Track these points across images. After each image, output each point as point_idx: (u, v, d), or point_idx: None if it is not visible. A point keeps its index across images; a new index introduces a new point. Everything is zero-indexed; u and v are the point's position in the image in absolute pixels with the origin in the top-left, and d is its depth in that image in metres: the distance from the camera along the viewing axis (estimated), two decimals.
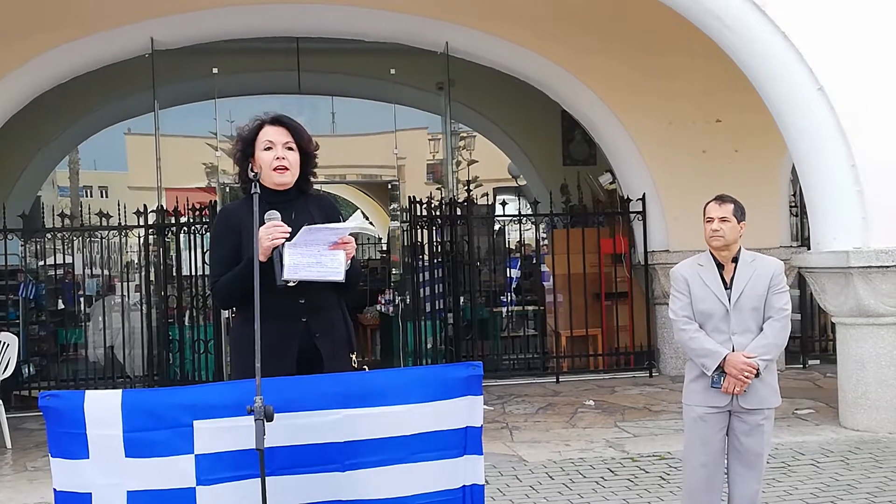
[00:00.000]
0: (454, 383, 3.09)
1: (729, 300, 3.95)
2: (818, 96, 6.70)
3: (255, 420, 2.68)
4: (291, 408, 2.88)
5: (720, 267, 4.02)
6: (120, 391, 2.97)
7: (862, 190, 6.65)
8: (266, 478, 2.74)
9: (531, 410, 8.07)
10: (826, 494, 5.26)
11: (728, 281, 3.98)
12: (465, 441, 3.10)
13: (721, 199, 4.07)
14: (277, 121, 3.42)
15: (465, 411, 3.10)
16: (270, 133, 3.39)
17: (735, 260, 4.01)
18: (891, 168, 6.67)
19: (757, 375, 3.87)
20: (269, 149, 3.38)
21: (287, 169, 3.39)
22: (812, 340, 10.44)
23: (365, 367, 3.52)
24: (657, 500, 5.24)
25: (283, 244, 3.21)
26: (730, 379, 3.87)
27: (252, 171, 3.33)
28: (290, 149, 3.40)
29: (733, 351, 3.90)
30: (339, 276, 3.27)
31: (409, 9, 9.45)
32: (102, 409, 2.87)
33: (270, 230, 3.20)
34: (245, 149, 3.42)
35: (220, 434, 2.88)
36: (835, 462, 5.97)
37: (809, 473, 5.71)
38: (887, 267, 6.61)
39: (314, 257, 3.25)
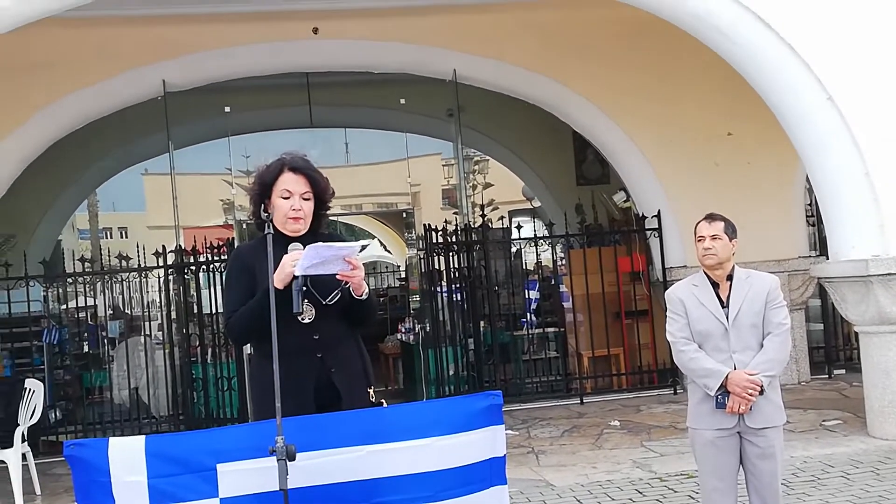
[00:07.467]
0: (475, 414, 3.10)
1: (727, 318, 3.91)
2: (828, 106, 6.70)
3: (278, 460, 2.70)
4: (313, 447, 2.90)
5: (715, 286, 3.98)
6: (143, 437, 2.99)
7: (877, 198, 6.62)
8: None
9: (556, 433, 8.04)
10: None
11: (724, 299, 3.94)
12: (489, 472, 3.10)
13: (711, 217, 4.05)
14: (297, 169, 3.44)
15: (487, 442, 3.10)
16: (289, 181, 3.42)
17: (730, 278, 3.98)
18: None
19: (761, 393, 3.82)
20: (286, 198, 3.41)
21: (301, 219, 3.43)
22: (836, 350, 10.35)
23: (383, 400, 3.51)
24: None
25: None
26: (734, 398, 3.81)
27: (265, 211, 3.37)
28: (307, 199, 3.44)
29: (735, 369, 3.84)
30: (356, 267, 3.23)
31: (417, 39, 9.54)
32: (127, 456, 2.91)
33: (294, 255, 3.23)
34: (262, 191, 3.45)
35: (243, 476, 2.90)
36: (865, 473, 5.91)
37: (840, 486, 5.65)
38: None
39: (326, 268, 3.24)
